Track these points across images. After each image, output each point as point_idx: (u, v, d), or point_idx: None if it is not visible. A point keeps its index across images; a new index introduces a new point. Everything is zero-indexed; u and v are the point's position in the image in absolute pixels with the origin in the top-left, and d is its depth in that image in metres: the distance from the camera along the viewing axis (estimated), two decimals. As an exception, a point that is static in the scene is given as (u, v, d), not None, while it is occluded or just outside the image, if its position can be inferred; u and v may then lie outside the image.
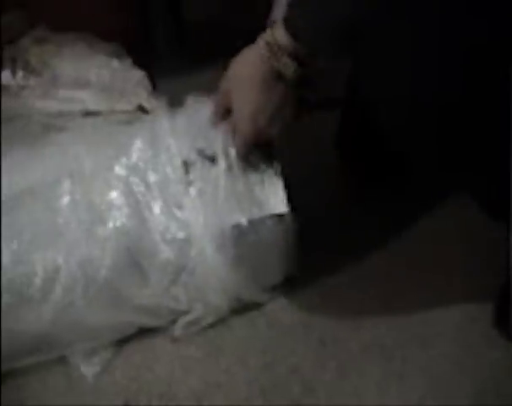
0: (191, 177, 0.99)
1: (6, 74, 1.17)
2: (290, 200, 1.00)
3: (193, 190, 0.98)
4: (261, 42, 0.92)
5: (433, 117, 0.86)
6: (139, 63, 1.17)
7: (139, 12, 1.30)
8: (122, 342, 1.06)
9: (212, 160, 1.00)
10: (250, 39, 0.94)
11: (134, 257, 0.96)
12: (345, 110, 1.23)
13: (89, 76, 1.16)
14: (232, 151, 0.98)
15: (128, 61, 1.18)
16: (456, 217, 1.19)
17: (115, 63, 1.16)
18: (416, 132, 0.89)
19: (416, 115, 0.87)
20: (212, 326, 1.07)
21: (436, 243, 1.17)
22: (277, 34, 0.91)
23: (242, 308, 1.08)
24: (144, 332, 1.06)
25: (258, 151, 1.01)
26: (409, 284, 1.12)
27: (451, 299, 1.10)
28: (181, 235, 0.97)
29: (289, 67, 0.92)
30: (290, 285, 1.11)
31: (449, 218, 1.20)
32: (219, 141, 1.00)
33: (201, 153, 1.01)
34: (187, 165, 1.00)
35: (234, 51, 0.96)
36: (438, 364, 1.04)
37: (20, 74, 1.17)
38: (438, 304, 1.10)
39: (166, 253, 0.96)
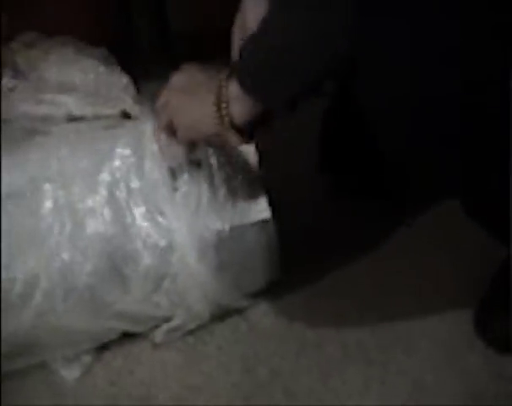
0: (177, 182, 0.97)
1: (-6, 78, 1.16)
2: (272, 206, 0.99)
3: (175, 197, 0.96)
4: (211, 98, 0.86)
5: (434, 130, 0.83)
6: (124, 68, 1.15)
7: (124, 18, 1.29)
8: (103, 346, 1.04)
9: (198, 165, 0.98)
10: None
11: (116, 263, 0.94)
12: (327, 119, 1.21)
13: (74, 81, 1.14)
14: (214, 158, 0.97)
15: (115, 66, 1.16)
16: (442, 225, 1.18)
17: (101, 67, 1.14)
18: (414, 145, 0.86)
19: (417, 128, 0.83)
20: (193, 331, 1.05)
21: (420, 250, 1.16)
22: (230, 93, 0.84)
23: (223, 313, 1.06)
24: (124, 337, 1.04)
25: (240, 158, 0.99)
26: (392, 290, 1.11)
27: (434, 304, 1.09)
28: (163, 242, 0.95)
29: (234, 140, 0.87)
30: (272, 291, 1.09)
31: (434, 226, 1.18)
32: (202, 147, 0.98)
33: (188, 158, 0.98)
34: (173, 170, 0.98)
35: (218, 59, 0.93)
36: (421, 369, 1.03)
37: (8, 77, 1.15)
38: (421, 309, 1.09)
39: (148, 259, 0.95)
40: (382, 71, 0.80)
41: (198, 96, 0.87)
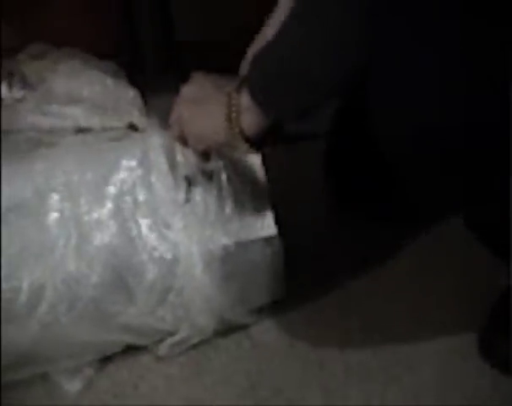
0: (190, 193, 0.97)
1: (3, 88, 1.15)
2: (278, 222, 0.98)
3: (182, 209, 0.96)
4: (222, 109, 0.85)
5: (439, 146, 0.83)
6: (130, 81, 1.15)
7: (129, 30, 1.29)
8: (106, 359, 1.03)
9: (210, 176, 0.98)
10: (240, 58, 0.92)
11: (121, 276, 0.94)
12: (332, 138, 1.21)
13: (81, 92, 1.13)
14: (223, 172, 0.96)
15: (123, 79, 1.16)
16: (445, 247, 1.17)
17: (108, 80, 1.14)
18: (421, 165, 0.86)
19: (422, 144, 0.83)
20: (197, 345, 1.04)
21: (424, 269, 1.15)
22: (242, 105, 0.84)
23: (227, 329, 1.05)
24: (128, 350, 1.03)
25: (248, 174, 0.99)
26: (396, 309, 1.10)
27: (436, 325, 1.08)
28: (169, 255, 0.94)
29: (243, 149, 0.87)
30: (276, 307, 1.08)
31: (437, 248, 1.18)
32: (214, 160, 0.97)
33: (202, 169, 0.98)
34: (189, 181, 0.97)
35: (225, 70, 0.93)
36: (422, 389, 1.02)
37: (16, 88, 1.15)
38: (425, 329, 1.08)
39: (154, 272, 0.94)
40: (394, 86, 0.80)
41: (208, 107, 0.87)
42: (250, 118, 0.84)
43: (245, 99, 0.83)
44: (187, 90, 0.91)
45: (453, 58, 0.75)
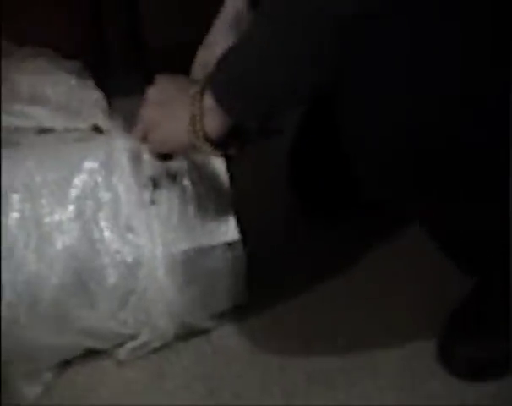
0: (155, 195, 0.96)
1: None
2: (240, 228, 0.98)
3: (145, 212, 0.95)
4: (185, 111, 0.84)
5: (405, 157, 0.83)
6: (96, 83, 1.14)
7: (96, 32, 1.28)
8: (66, 363, 1.01)
9: (174, 178, 0.97)
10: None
11: (82, 279, 0.93)
12: (296, 141, 1.21)
13: (46, 92, 1.12)
14: (187, 176, 0.96)
15: (89, 80, 1.14)
16: (408, 250, 1.18)
17: (72, 81, 1.13)
18: (386, 167, 0.85)
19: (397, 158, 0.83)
20: (157, 350, 1.03)
21: (386, 274, 1.16)
22: (205, 107, 0.83)
23: (188, 334, 1.05)
24: (88, 354, 1.02)
25: (211, 178, 0.98)
26: (357, 315, 1.10)
27: (400, 330, 1.09)
28: (130, 258, 0.93)
29: (208, 152, 0.86)
30: (237, 312, 1.08)
31: (400, 251, 1.18)
32: (178, 163, 0.97)
33: (166, 171, 0.97)
34: (155, 182, 0.97)
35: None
36: (383, 393, 1.02)
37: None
38: (387, 335, 1.08)
39: (115, 276, 0.93)
40: (366, 94, 0.79)
41: (172, 110, 0.86)
42: (213, 120, 0.83)
43: (208, 100, 0.83)
44: (151, 93, 0.90)
45: (426, 56, 0.75)
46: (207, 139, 0.84)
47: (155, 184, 0.95)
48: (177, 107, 0.85)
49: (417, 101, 0.77)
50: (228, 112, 0.82)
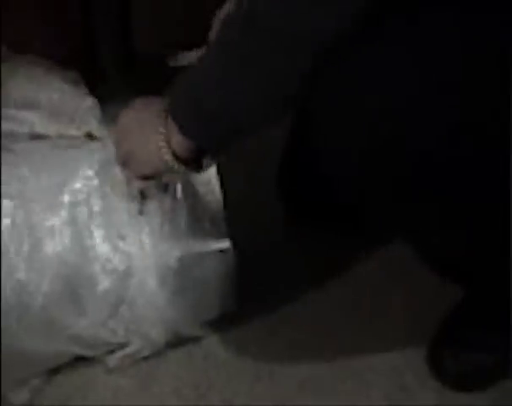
0: (144, 205, 0.95)
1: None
2: (231, 235, 0.97)
3: (137, 221, 0.94)
4: (155, 136, 0.82)
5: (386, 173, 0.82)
6: (89, 90, 1.13)
7: (90, 39, 1.27)
8: (55, 369, 1.01)
9: (164, 189, 0.96)
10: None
11: (73, 286, 0.92)
12: (286, 152, 1.20)
13: (39, 99, 1.11)
14: (178, 185, 0.95)
15: (83, 87, 1.13)
16: (397, 258, 1.17)
17: (67, 88, 1.12)
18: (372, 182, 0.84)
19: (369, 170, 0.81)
20: (147, 357, 1.03)
21: (376, 282, 1.16)
22: (170, 125, 0.80)
23: (178, 341, 1.04)
24: (77, 361, 1.01)
25: (201, 187, 0.98)
26: (347, 323, 1.10)
27: (389, 338, 1.08)
28: (122, 267, 0.93)
29: (180, 171, 0.84)
30: (227, 320, 1.07)
31: (389, 258, 1.18)
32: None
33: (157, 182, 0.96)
34: (143, 193, 0.95)
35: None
36: (374, 402, 1.02)
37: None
38: (377, 343, 1.08)
39: (106, 284, 0.92)
40: (341, 108, 0.77)
41: (143, 136, 0.85)
42: (179, 141, 0.81)
43: (172, 124, 0.81)
44: (123, 118, 0.88)
45: (411, 73, 0.73)
46: (178, 160, 0.82)
47: (144, 196, 0.95)
48: (147, 133, 0.83)
49: (394, 107, 0.75)
50: (184, 134, 0.80)
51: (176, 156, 0.81)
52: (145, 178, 0.88)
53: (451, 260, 0.96)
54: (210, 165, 0.86)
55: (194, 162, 0.83)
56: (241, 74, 0.73)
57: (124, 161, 0.88)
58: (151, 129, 0.82)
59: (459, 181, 0.79)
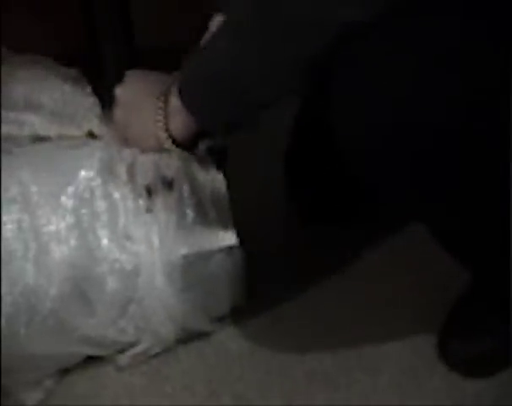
0: (152, 203, 0.94)
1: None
2: (238, 231, 0.97)
3: (143, 220, 0.93)
4: (152, 114, 0.83)
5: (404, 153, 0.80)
6: (90, 88, 1.12)
7: (90, 37, 1.26)
8: (66, 370, 1.00)
9: (170, 186, 0.95)
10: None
11: (81, 288, 0.91)
12: (292, 143, 1.19)
13: (40, 99, 1.10)
14: (184, 182, 0.94)
15: (85, 86, 1.12)
16: (405, 250, 1.17)
17: (67, 87, 1.11)
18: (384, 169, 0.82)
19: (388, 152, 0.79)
20: (158, 354, 1.02)
21: (384, 275, 1.15)
22: (170, 105, 0.81)
23: (188, 337, 1.03)
24: (88, 360, 1.01)
25: (207, 184, 0.97)
26: (355, 315, 1.09)
27: (397, 328, 1.08)
28: (129, 266, 0.92)
29: (175, 152, 0.85)
30: (237, 315, 1.07)
31: (397, 247, 1.17)
32: (176, 169, 0.95)
33: (162, 179, 0.95)
34: (150, 190, 0.95)
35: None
36: (384, 392, 1.01)
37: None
38: (386, 332, 1.07)
39: (114, 284, 0.92)
40: (359, 95, 0.76)
41: (138, 112, 0.84)
42: (178, 121, 0.81)
43: (174, 101, 0.80)
44: (120, 94, 0.88)
45: (428, 58, 0.72)
46: (172, 140, 0.82)
47: (150, 192, 0.94)
48: (143, 109, 0.83)
49: (415, 100, 0.74)
50: (192, 113, 0.79)
51: (171, 138, 0.81)
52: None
53: (461, 245, 0.95)
54: (203, 150, 0.85)
55: (188, 146, 0.83)
56: (253, 47, 0.73)
57: (123, 136, 0.89)
58: (147, 107, 0.83)
59: (471, 161, 0.79)
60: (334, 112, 0.79)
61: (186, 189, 0.94)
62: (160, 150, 0.85)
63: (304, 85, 0.78)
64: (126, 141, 0.90)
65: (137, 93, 0.86)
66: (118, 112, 0.89)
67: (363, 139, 0.79)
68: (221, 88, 0.76)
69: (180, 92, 0.79)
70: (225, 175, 0.99)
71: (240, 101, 0.77)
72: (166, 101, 0.81)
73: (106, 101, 1.07)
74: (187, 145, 0.83)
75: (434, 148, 0.77)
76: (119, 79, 0.94)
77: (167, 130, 0.81)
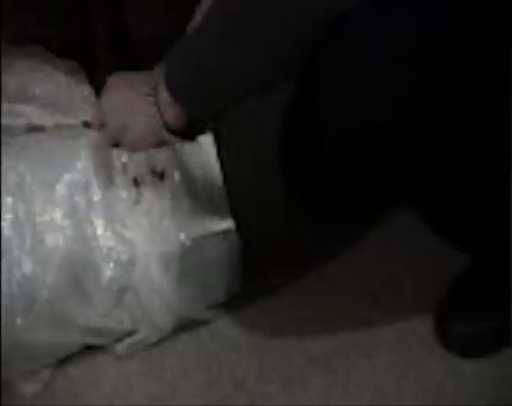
0: (139, 194, 0.94)
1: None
2: (234, 216, 0.97)
3: (138, 209, 0.93)
4: (146, 111, 0.82)
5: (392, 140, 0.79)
6: (86, 78, 1.12)
7: (84, 27, 1.26)
8: (64, 359, 1.00)
9: (161, 177, 0.95)
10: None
11: (77, 277, 0.91)
12: (287, 120, 1.18)
13: (34, 90, 1.10)
14: (176, 170, 0.94)
15: (79, 76, 1.12)
16: (401, 232, 1.16)
17: (61, 77, 1.11)
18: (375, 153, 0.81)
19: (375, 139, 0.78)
20: (156, 342, 1.02)
21: (380, 257, 1.14)
22: (161, 98, 0.80)
23: (185, 325, 1.03)
24: (86, 349, 1.00)
25: (201, 169, 0.96)
26: (352, 298, 1.09)
27: (394, 311, 1.08)
28: (125, 255, 0.92)
29: (177, 141, 0.84)
30: (234, 301, 1.06)
31: (394, 230, 1.17)
32: (166, 158, 0.95)
33: (152, 170, 0.96)
34: (137, 182, 0.95)
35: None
36: (382, 374, 1.01)
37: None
38: (381, 317, 1.07)
39: (110, 273, 0.92)
40: (345, 77, 0.75)
41: (133, 114, 0.84)
42: (171, 113, 0.80)
43: (164, 95, 0.80)
44: (108, 100, 0.88)
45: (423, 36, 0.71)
46: (171, 131, 0.82)
47: (137, 184, 0.93)
48: (137, 110, 0.83)
49: (407, 78, 0.73)
50: (183, 105, 0.79)
51: (169, 129, 0.81)
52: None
53: (456, 227, 0.94)
54: (201, 133, 0.85)
55: (186, 132, 0.83)
56: (241, 39, 0.72)
57: (117, 139, 0.87)
58: (140, 105, 0.82)
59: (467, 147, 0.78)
60: (319, 89, 0.78)
61: (179, 176, 0.94)
62: (161, 145, 0.85)
63: (293, 71, 0.78)
64: (124, 145, 0.89)
65: (125, 97, 0.85)
66: (111, 120, 0.87)
67: (349, 117, 0.78)
68: (208, 80, 0.76)
69: (167, 85, 0.79)
70: (221, 161, 0.99)
71: (226, 92, 0.77)
72: (156, 96, 0.81)
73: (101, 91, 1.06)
74: (185, 133, 0.83)
75: (425, 129, 0.76)
76: (113, 68, 0.94)
77: (165, 123, 0.81)
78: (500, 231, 0.87)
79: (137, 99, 0.83)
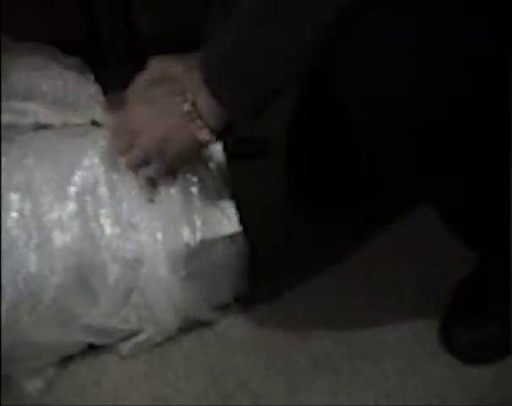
0: (154, 193, 0.94)
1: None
2: (241, 220, 0.96)
3: (146, 208, 0.92)
4: (182, 108, 0.81)
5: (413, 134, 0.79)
6: (94, 76, 1.11)
7: (91, 25, 1.26)
8: (68, 357, 0.99)
9: (173, 176, 0.94)
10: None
11: (83, 276, 0.91)
12: (293, 130, 1.18)
13: (42, 88, 1.09)
14: (188, 171, 0.93)
15: (88, 74, 1.11)
16: (407, 236, 1.16)
17: (69, 75, 1.10)
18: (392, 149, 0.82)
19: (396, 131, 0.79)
20: (160, 343, 1.01)
21: (385, 261, 1.14)
22: (200, 101, 0.80)
23: (190, 325, 1.03)
24: (90, 348, 1.00)
25: (210, 172, 0.96)
26: (357, 302, 1.09)
27: (399, 314, 1.07)
28: (132, 254, 0.91)
29: (207, 139, 0.83)
30: (239, 302, 1.06)
31: (400, 237, 1.17)
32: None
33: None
34: (152, 180, 0.94)
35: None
36: (386, 378, 1.01)
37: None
38: (386, 320, 1.07)
39: (117, 272, 0.91)
40: (368, 69, 0.75)
41: (163, 106, 0.82)
42: (213, 116, 0.80)
43: (203, 100, 0.79)
44: (135, 92, 0.86)
45: (432, 26, 0.72)
46: (211, 130, 0.81)
47: (153, 183, 0.92)
48: (168, 102, 0.82)
49: (421, 58, 0.73)
50: (222, 99, 0.79)
51: (206, 125, 0.80)
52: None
53: (466, 225, 0.94)
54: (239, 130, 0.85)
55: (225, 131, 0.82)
56: (268, 32, 0.74)
57: (157, 153, 0.85)
58: (172, 100, 0.81)
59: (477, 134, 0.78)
60: (342, 70, 0.78)
61: (189, 177, 0.93)
62: (193, 144, 0.83)
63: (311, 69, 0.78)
64: (141, 147, 0.87)
65: (156, 109, 0.84)
66: (136, 113, 0.85)
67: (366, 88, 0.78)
68: (252, 80, 0.77)
69: (209, 84, 0.78)
70: (227, 162, 0.98)
71: (267, 86, 0.77)
72: (193, 103, 0.80)
73: (108, 89, 1.06)
74: (223, 131, 0.83)
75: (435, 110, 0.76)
76: (119, 67, 0.93)
77: (207, 126, 0.80)
78: (501, 227, 0.86)
79: (167, 93, 0.82)
